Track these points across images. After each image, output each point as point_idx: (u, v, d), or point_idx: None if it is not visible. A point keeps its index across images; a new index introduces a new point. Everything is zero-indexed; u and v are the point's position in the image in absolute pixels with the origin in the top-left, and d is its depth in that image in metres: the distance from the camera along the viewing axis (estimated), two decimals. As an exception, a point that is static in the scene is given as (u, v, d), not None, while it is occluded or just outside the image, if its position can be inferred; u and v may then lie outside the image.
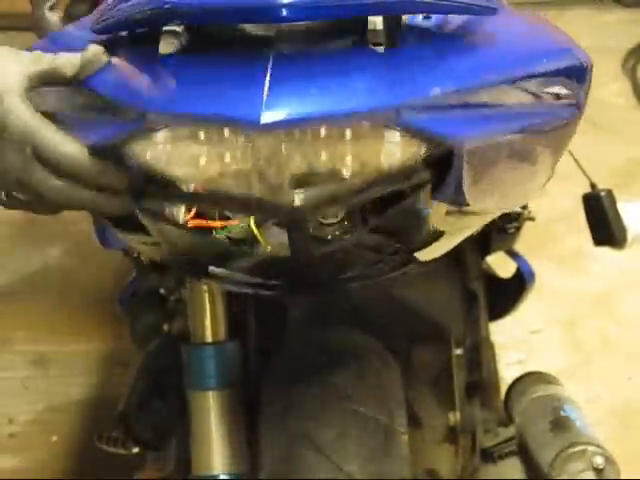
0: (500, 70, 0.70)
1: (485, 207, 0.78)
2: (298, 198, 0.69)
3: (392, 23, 0.70)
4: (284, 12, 0.62)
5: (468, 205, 0.72)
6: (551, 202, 2.04)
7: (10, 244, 2.28)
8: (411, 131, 0.67)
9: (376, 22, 0.70)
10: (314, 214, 0.73)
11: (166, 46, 0.71)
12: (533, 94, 0.72)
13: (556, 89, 0.74)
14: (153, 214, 0.77)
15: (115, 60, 0.73)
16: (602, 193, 1.28)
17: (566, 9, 3.08)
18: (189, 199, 0.75)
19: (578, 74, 0.75)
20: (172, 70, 0.70)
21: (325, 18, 0.70)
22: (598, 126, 2.56)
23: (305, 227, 0.73)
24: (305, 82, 0.65)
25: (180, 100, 0.67)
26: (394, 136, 0.68)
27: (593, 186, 1.31)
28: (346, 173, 0.70)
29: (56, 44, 0.80)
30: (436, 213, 0.76)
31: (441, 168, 0.70)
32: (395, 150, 0.68)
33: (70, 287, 2.13)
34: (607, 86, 2.74)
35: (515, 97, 0.71)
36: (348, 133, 0.68)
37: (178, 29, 0.72)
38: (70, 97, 0.74)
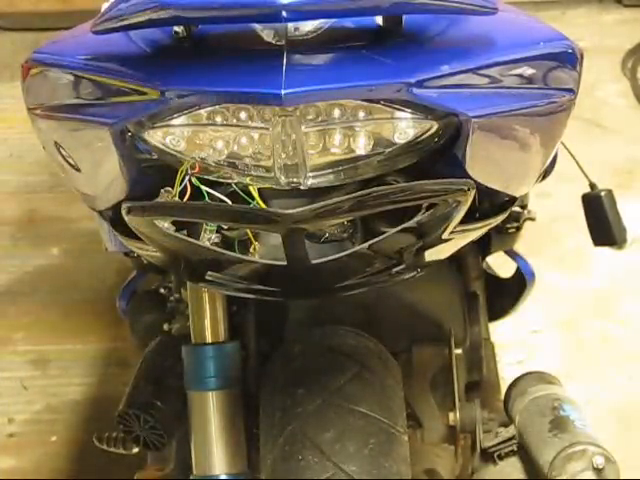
0: (503, 52, 0.74)
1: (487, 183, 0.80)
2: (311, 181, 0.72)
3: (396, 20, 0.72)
4: (284, 14, 0.62)
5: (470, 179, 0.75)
6: (552, 202, 2.04)
7: (10, 244, 2.28)
8: (422, 105, 0.70)
9: (379, 20, 0.72)
10: (313, 226, 0.74)
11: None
12: (532, 77, 0.76)
13: (552, 73, 0.78)
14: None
15: (131, 44, 0.74)
16: (602, 193, 1.28)
17: (566, 9, 3.08)
18: (183, 213, 0.76)
19: (571, 60, 0.79)
20: (189, 56, 0.72)
21: (327, 18, 0.70)
22: (598, 126, 2.56)
23: (301, 237, 0.74)
24: (318, 63, 0.69)
25: (203, 79, 0.68)
26: (405, 114, 0.71)
27: (592, 186, 1.31)
28: (359, 151, 0.72)
29: (57, 49, 0.80)
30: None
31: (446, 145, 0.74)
32: (406, 127, 0.72)
33: (70, 287, 2.12)
34: (607, 86, 2.74)
35: (516, 79, 0.75)
36: (361, 113, 0.71)
37: (178, 29, 0.72)
38: (83, 83, 0.75)
